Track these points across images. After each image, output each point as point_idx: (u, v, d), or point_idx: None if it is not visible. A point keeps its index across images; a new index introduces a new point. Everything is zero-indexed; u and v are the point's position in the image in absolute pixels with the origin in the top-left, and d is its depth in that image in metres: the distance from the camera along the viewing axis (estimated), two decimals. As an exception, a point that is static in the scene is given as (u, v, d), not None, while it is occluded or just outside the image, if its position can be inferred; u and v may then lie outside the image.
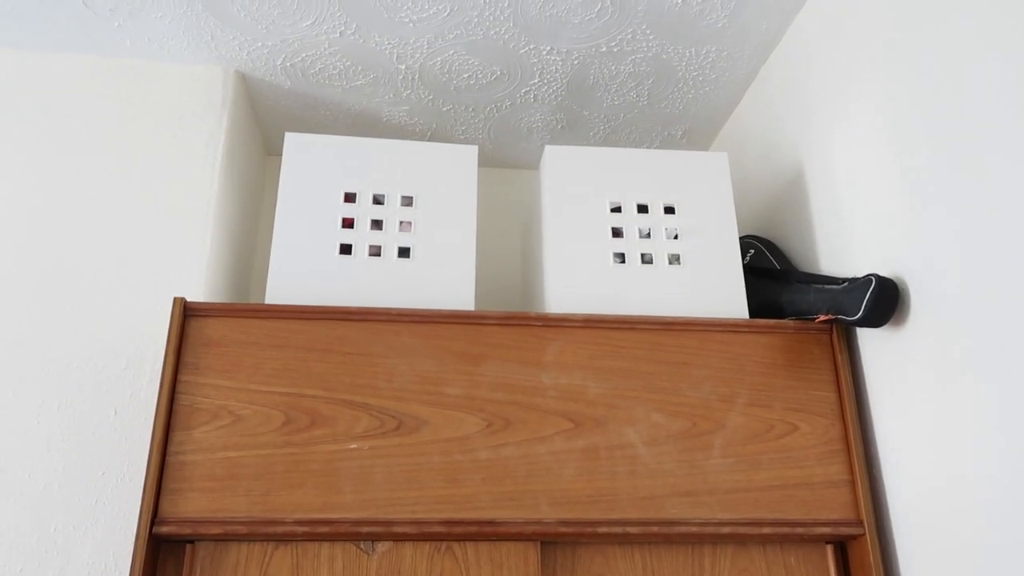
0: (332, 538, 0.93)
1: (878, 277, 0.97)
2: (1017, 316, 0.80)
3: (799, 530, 0.97)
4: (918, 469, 0.94)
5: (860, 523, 0.97)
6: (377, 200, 1.15)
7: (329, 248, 1.11)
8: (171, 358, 0.97)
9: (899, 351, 0.98)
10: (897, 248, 0.99)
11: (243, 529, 0.91)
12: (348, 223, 1.13)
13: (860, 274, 1.04)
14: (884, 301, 0.96)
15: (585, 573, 0.97)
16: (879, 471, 1.01)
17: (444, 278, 1.10)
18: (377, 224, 1.13)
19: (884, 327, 1.00)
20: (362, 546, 0.93)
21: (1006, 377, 0.81)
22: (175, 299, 1.01)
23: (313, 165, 1.16)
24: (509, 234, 1.64)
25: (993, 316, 0.83)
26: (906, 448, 0.96)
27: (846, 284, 1.02)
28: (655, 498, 0.97)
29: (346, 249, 1.11)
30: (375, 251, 1.11)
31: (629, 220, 1.16)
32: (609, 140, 1.61)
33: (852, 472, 1.00)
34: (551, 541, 0.96)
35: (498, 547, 0.94)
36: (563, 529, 0.94)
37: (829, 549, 1.01)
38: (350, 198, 1.14)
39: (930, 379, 0.92)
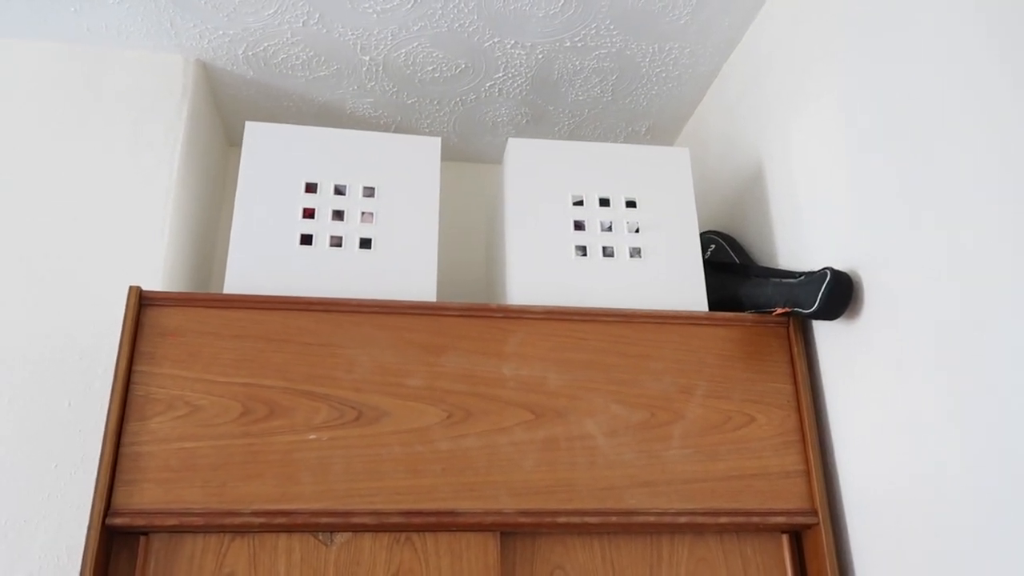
0: (290, 529, 0.92)
1: (833, 270, 0.99)
2: (965, 309, 0.82)
3: (755, 520, 0.98)
4: (871, 459, 0.96)
5: (814, 513, 0.99)
6: (339, 191, 1.14)
7: (289, 238, 1.10)
8: (126, 348, 0.96)
9: (853, 343, 1.00)
10: (852, 242, 1.01)
11: (199, 520, 0.89)
12: (309, 213, 1.12)
13: (817, 268, 1.05)
14: (839, 294, 0.98)
15: (544, 563, 0.97)
16: (833, 462, 1.03)
17: (406, 269, 1.10)
18: (338, 215, 1.13)
19: (839, 320, 1.02)
20: (320, 537, 0.93)
21: (956, 369, 0.83)
22: (130, 288, 0.99)
23: (274, 154, 1.14)
24: (473, 228, 1.64)
25: (944, 309, 0.85)
26: (860, 439, 0.98)
27: (802, 278, 1.04)
28: (614, 488, 0.98)
29: (307, 239, 1.10)
30: (336, 242, 1.11)
31: (591, 213, 1.17)
32: (574, 135, 1.62)
33: (807, 463, 1.02)
34: (511, 531, 0.97)
35: (458, 538, 0.94)
36: (523, 520, 0.95)
37: (785, 538, 1.02)
38: (311, 188, 1.13)
39: (883, 371, 0.94)
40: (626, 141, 1.65)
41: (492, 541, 0.95)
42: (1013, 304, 0.76)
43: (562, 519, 0.95)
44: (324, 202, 1.13)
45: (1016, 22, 0.77)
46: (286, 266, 1.08)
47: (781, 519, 0.99)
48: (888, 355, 0.94)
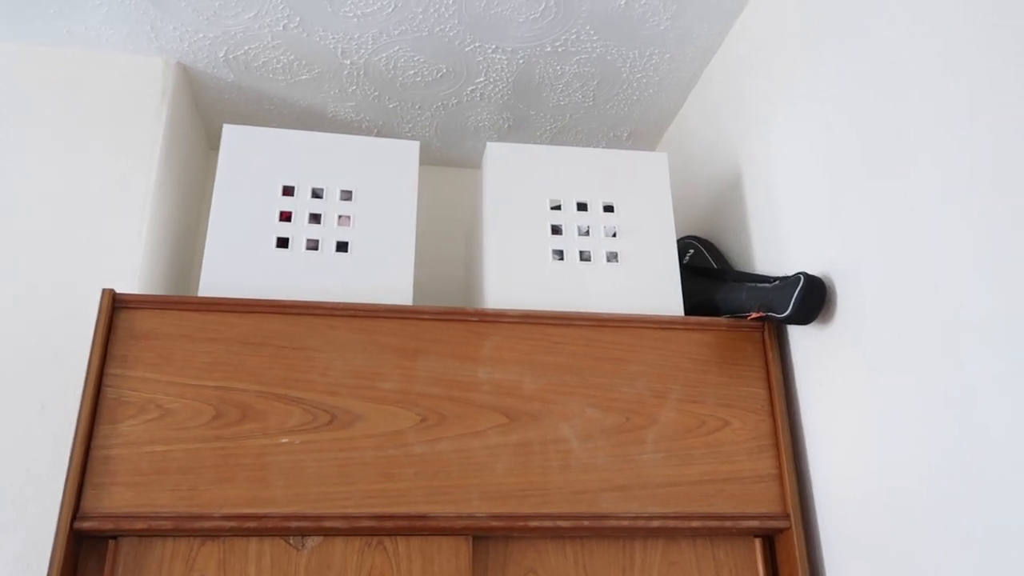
0: (261, 533, 0.92)
1: (806, 275, 0.99)
2: (935, 314, 0.82)
3: (728, 523, 0.98)
4: (844, 463, 0.96)
5: (786, 516, 0.99)
6: (316, 194, 1.14)
7: (266, 241, 1.10)
8: (98, 350, 0.95)
9: (826, 347, 1.01)
10: (825, 248, 1.02)
11: (168, 524, 0.89)
12: (286, 216, 1.12)
13: (791, 273, 1.06)
14: (812, 299, 0.99)
15: (516, 567, 0.97)
16: (806, 465, 1.03)
17: (382, 273, 1.10)
18: (315, 218, 1.13)
19: (812, 324, 1.02)
20: (292, 541, 0.92)
21: (924, 372, 0.83)
22: (104, 291, 0.99)
23: (251, 157, 1.14)
24: (455, 232, 1.64)
25: (912, 313, 0.85)
26: (832, 442, 0.99)
27: (777, 283, 1.05)
28: (587, 492, 0.98)
29: (283, 242, 1.10)
30: (313, 245, 1.11)
31: (569, 218, 1.17)
32: (556, 140, 1.62)
33: (780, 466, 1.02)
34: (483, 535, 0.97)
35: (429, 541, 0.94)
36: (495, 523, 0.95)
37: (757, 542, 1.02)
38: (288, 191, 1.13)
39: (855, 375, 0.95)
40: (608, 146, 1.65)
41: (464, 545, 0.95)
42: (982, 310, 0.77)
43: (534, 523, 0.95)
44: (301, 205, 1.13)
45: (997, 32, 0.78)
46: (262, 269, 1.08)
47: (754, 523, 0.99)
48: (860, 359, 0.94)
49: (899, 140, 0.89)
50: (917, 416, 0.84)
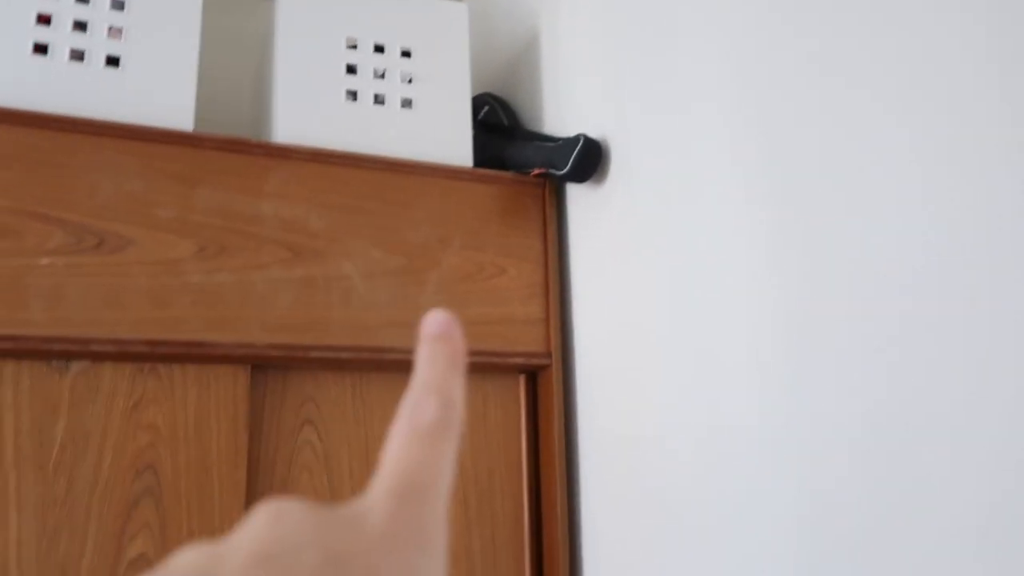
0: (18, 355, 0.87)
1: (585, 137, 1.06)
2: (689, 179, 0.92)
3: (496, 360, 1.07)
4: (601, 312, 1.08)
5: (549, 355, 1.10)
6: (82, -1, 1.02)
7: (20, 45, 0.97)
8: None
9: (598, 206, 1.10)
10: (604, 113, 1.09)
11: (-95, 344, 0.82)
12: (44, 19, 1.00)
13: (573, 134, 1.13)
14: (588, 159, 1.06)
15: (296, 395, 1.01)
16: (571, 313, 1.14)
17: (159, 95, 1.02)
18: (80, 25, 1.01)
19: (588, 183, 1.11)
20: (55, 364, 0.89)
21: (677, 240, 0.94)
22: None
23: (1, -55, 0.99)
24: (247, 62, 1.54)
25: (668, 182, 0.95)
26: (595, 293, 1.10)
27: (560, 142, 1.11)
28: (368, 328, 1.02)
29: (41, 48, 0.99)
30: (77, 55, 1.00)
31: (365, 59, 1.15)
32: (358, -21, 1.55)
33: (547, 311, 1.12)
34: (262, 364, 0.98)
35: (207, 369, 0.94)
36: (275, 353, 0.96)
37: (522, 378, 1.13)
38: (48, -8, 1.01)
39: (620, 231, 1.05)
40: (412, -7, 1.60)
41: (242, 372, 0.96)
42: (731, 175, 0.87)
43: (315, 354, 0.98)
44: (64, 8, 1.01)
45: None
46: (15, 76, 0.96)
47: (519, 360, 1.09)
48: (623, 219, 1.04)
49: (672, 17, 0.96)
50: (665, 274, 0.96)
